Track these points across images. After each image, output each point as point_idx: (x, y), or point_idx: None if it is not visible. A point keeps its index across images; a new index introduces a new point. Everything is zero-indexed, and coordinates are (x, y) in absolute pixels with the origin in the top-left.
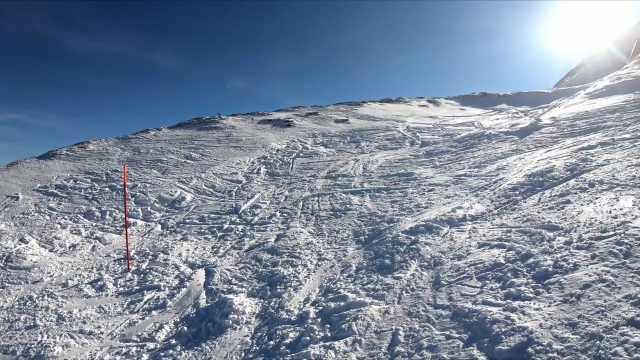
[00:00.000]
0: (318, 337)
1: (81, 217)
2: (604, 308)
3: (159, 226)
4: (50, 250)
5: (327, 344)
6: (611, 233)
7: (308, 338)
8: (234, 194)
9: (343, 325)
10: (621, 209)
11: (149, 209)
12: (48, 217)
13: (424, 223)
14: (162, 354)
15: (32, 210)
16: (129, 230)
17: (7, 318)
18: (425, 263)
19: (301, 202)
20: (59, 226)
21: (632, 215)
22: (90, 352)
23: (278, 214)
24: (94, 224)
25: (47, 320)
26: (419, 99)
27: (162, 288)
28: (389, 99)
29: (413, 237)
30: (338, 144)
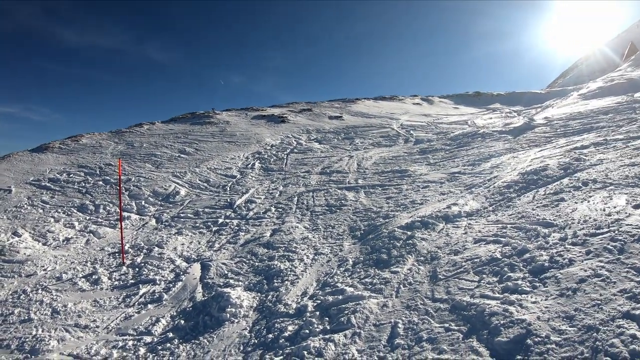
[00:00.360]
0: (317, 330)
1: (75, 211)
2: (599, 302)
3: (154, 220)
4: (44, 244)
5: (327, 336)
6: (605, 230)
7: (307, 331)
8: (228, 189)
9: (342, 319)
10: (615, 207)
11: (143, 202)
12: (41, 211)
13: (420, 219)
14: (160, 347)
15: (25, 204)
16: (123, 224)
17: (1, 312)
18: (422, 258)
19: (296, 198)
20: (52, 220)
21: (626, 213)
22: (86, 345)
23: (273, 209)
24: (88, 217)
25: (42, 314)
26: (412, 97)
27: (158, 282)
28: (383, 96)
29: (409, 233)
30: (332, 140)
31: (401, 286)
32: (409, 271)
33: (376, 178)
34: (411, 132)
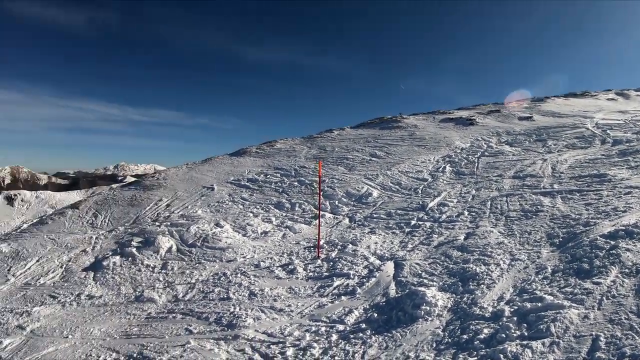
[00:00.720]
0: (514, 335)
1: (272, 208)
2: None
3: (347, 219)
4: (244, 235)
5: (524, 342)
6: None
7: (503, 335)
8: (420, 192)
9: (540, 326)
10: None
11: (336, 203)
12: (241, 206)
13: (624, 228)
14: (352, 336)
15: (227, 200)
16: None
17: (202, 289)
18: (627, 270)
19: (489, 202)
20: (251, 214)
21: None
22: (280, 326)
23: (466, 212)
24: (284, 214)
25: (240, 295)
26: (606, 92)
27: (352, 276)
28: (573, 93)
29: (612, 242)
30: (523, 142)
31: (604, 298)
32: (612, 283)
33: (573, 183)
34: (607, 131)
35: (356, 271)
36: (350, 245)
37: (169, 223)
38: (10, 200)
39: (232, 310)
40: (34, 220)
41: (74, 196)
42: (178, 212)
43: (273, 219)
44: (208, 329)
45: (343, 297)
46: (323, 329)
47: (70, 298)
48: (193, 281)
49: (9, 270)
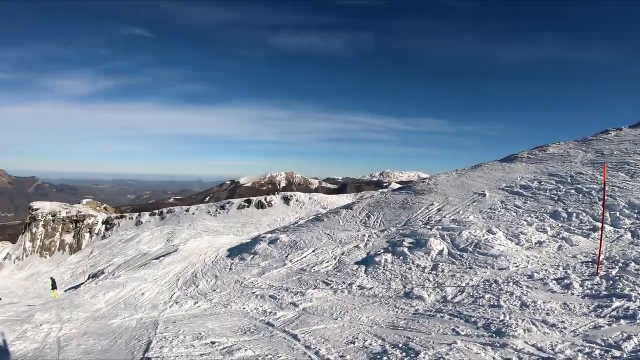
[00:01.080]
0: None
1: (547, 217)
2: None
3: (629, 234)
4: (517, 244)
5: None
6: None
7: None
8: None
9: None
10: None
11: (617, 214)
12: (514, 214)
13: None
14: None
15: (499, 207)
16: (597, 234)
17: (471, 294)
18: None
19: None
20: (525, 223)
21: None
22: (551, 342)
23: None
24: (560, 224)
25: (511, 304)
26: None
27: (633, 299)
28: None
29: None
30: None
31: None
32: None
33: None
34: None
35: (639, 293)
36: (633, 264)
37: (440, 227)
38: (286, 200)
39: (502, 318)
40: (310, 217)
41: (343, 199)
42: (449, 217)
43: (548, 228)
44: (476, 333)
45: (622, 321)
46: (597, 352)
47: (342, 286)
48: (463, 285)
49: (286, 256)
